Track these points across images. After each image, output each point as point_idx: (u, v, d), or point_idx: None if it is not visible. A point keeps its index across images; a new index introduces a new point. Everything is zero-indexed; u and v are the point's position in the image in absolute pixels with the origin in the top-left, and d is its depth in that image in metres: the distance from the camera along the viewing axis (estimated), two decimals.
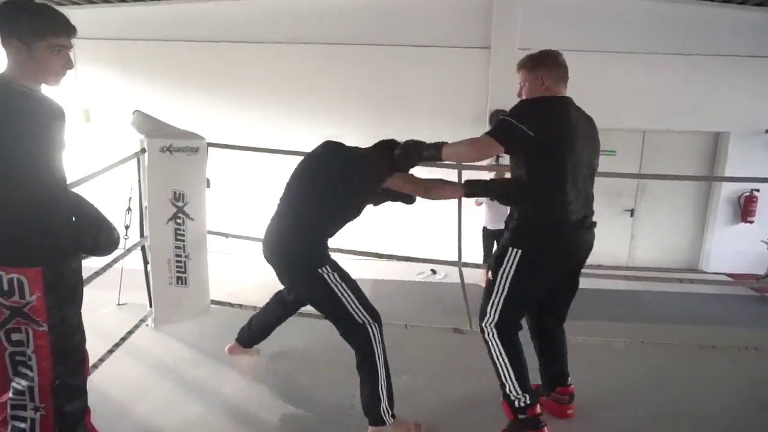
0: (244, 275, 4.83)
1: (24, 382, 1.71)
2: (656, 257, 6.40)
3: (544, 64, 2.17)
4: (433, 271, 5.55)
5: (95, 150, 5.16)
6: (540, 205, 2.06)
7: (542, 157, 2.02)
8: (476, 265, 3.22)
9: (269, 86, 5.82)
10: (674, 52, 5.69)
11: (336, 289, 2.16)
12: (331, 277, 2.17)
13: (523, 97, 2.19)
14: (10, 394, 1.73)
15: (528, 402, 2.11)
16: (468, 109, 5.79)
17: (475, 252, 4.79)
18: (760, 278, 5.73)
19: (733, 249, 6.01)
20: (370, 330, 2.16)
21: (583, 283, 3.98)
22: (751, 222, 6.01)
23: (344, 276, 2.20)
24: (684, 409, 2.57)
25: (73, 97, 5.71)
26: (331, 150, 2.28)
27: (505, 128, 2.02)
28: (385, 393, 2.18)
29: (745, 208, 6.01)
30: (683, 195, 6.30)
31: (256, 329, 2.77)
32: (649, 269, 6.13)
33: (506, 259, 2.09)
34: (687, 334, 3.61)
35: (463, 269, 3.12)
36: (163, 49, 5.75)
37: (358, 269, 5.01)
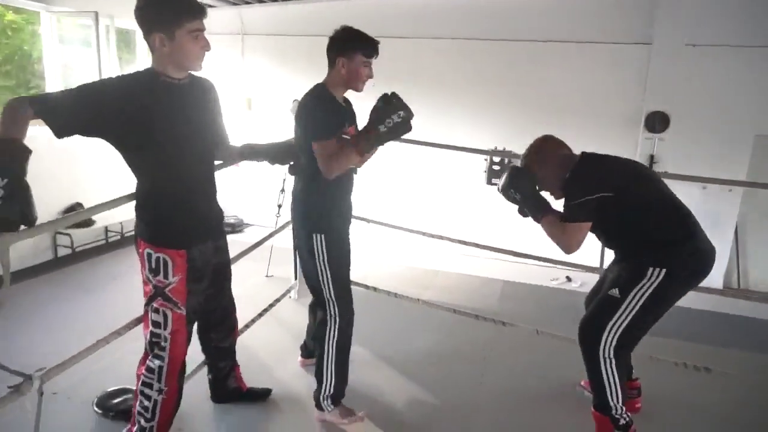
0: (380, 261, 5.00)
1: (157, 362, 1.83)
2: None
3: (548, 153, 2.23)
4: (568, 279, 5.27)
5: (256, 135, 5.70)
6: (668, 221, 2.09)
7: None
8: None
9: (410, 80, 5.88)
10: None
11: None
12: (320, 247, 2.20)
13: (550, 191, 2.26)
14: (144, 370, 1.86)
15: (630, 420, 2.12)
16: (620, 110, 5.37)
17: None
18: None
19: None
20: (330, 320, 2.23)
21: (745, 308, 3.55)
22: None
23: (332, 255, 2.20)
24: None
25: (239, 87, 6.34)
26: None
27: (582, 210, 2.06)
28: (330, 380, 2.25)
29: None
30: None
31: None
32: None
33: (646, 278, 2.01)
34: None
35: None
36: (314, 43, 6.12)
37: (487, 269, 5.00)
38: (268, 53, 6.34)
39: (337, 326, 2.23)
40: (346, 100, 2.35)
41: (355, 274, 3.57)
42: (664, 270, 2.00)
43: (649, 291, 2.01)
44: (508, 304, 4.19)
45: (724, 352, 3.35)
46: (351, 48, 2.16)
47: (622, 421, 2.12)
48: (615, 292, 2.07)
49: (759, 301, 3.77)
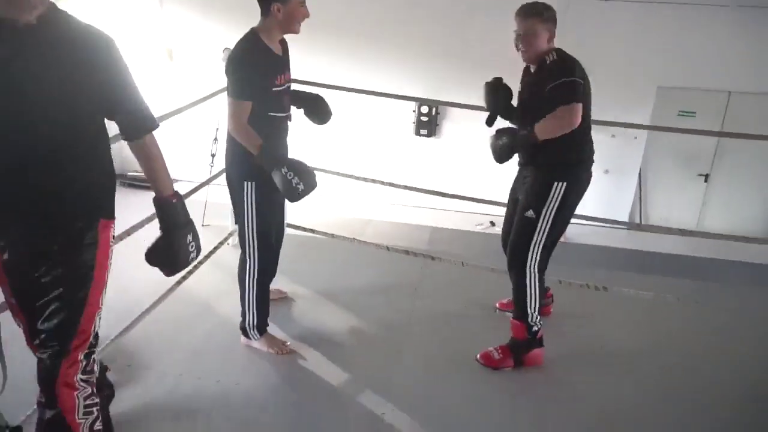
0: (312, 210, 5.08)
1: None
2: (729, 226, 6.10)
3: (553, 19, 2.33)
4: (492, 223, 5.61)
5: (180, 87, 5.49)
6: (576, 141, 2.31)
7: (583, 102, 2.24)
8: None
9: (336, 31, 5.86)
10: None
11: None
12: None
13: (528, 50, 2.31)
14: None
15: (540, 327, 2.48)
16: None
17: None
18: None
19: None
20: (248, 260, 2.38)
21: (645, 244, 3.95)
22: None
23: (260, 202, 2.30)
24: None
25: (157, 37, 6.03)
26: None
27: (578, 90, 2.19)
28: (253, 313, 2.45)
29: None
30: (766, 161, 5.95)
31: None
32: (723, 236, 5.87)
33: (551, 195, 2.33)
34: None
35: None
36: None
37: (416, 217, 5.22)
38: (188, 1, 6.03)
39: (255, 269, 2.39)
40: (283, 42, 2.35)
41: (291, 219, 3.70)
42: (564, 184, 2.32)
43: (556, 205, 2.33)
44: (437, 246, 4.45)
45: (623, 275, 3.84)
46: None
47: (535, 328, 2.47)
48: (530, 213, 2.37)
49: (658, 232, 4.30)
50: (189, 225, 1.63)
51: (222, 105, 3.38)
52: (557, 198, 2.32)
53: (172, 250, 1.59)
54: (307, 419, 2.12)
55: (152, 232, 1.67)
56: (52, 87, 1.33)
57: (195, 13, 6.03)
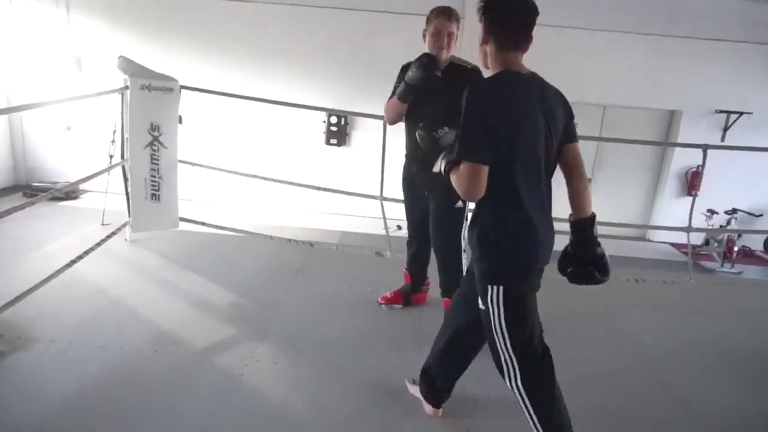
0: (235, 215, 5.32)
1: None
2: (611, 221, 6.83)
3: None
4: (399, 227, 5.94)
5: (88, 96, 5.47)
6: None
7: None
8: (396, 200, 3.57)
9: (246, 43, 6.10)
10: (635, 31, 6.03)
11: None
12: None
13: (449, 50, 2.59)
14: None
15: None
16: None
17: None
18: (697, 247, 6.18)
19: (679, 220, 6.33)
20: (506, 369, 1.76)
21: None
22: (696, 195, 6.42)
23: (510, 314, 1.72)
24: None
25: (65, 45, 5.99)
26: None
27: None
28: None
29: (690, 182, 6.45)
30: (637, 168, 6.74)
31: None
32: (601, 236, 6.53)
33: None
34: None
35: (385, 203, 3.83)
36: (151, 1, 5.93)
37: (326, 222, 5.46)
38: (96, 10, 5.99)
39: (522, 382, 1.77)
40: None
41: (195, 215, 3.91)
42: None
43: None
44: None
45: None
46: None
47: None
48: (460, 204, 2.57)
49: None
50: None
51: (116, 110, 3.55)
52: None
53: None
54: (174, 373, 2.32)
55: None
56: None
57: (102, 23, 6.04)
